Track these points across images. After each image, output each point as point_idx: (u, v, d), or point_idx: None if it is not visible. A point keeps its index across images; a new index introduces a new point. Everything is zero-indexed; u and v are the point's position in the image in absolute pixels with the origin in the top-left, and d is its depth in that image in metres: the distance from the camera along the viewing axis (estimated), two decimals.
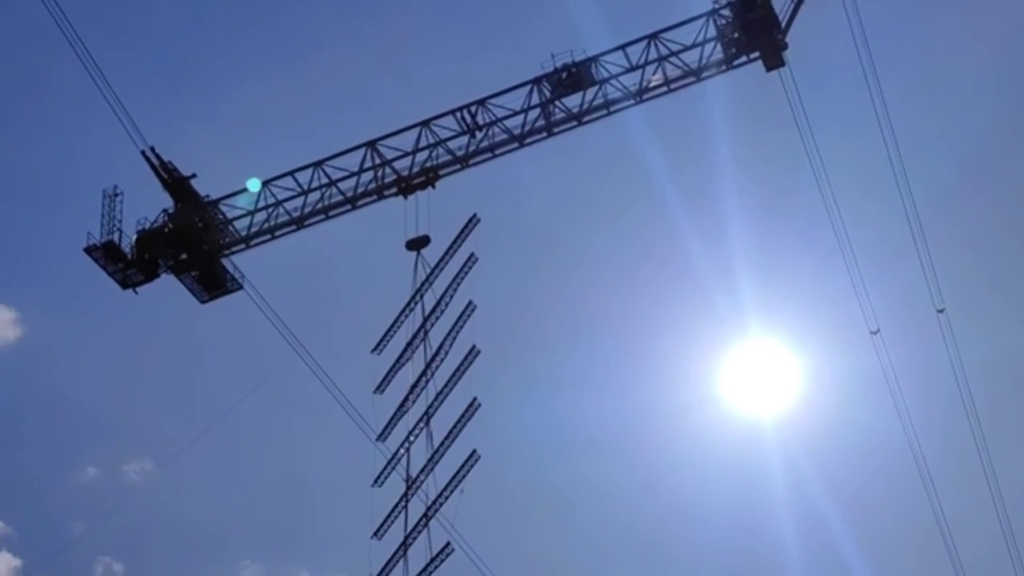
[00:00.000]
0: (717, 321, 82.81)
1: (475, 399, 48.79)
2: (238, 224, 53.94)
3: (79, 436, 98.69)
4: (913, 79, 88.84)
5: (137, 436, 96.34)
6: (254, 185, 53.14)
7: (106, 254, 52.69)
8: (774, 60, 50.83)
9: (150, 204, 54.39)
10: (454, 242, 51.19)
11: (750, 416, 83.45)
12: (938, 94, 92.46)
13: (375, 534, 48.68)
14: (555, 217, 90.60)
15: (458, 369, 49.35)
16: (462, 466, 48.07)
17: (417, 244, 52.55)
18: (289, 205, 53.26)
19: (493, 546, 54.49)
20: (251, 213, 53.52)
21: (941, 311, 55.60)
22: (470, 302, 50.25)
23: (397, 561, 47.49)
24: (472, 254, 51.04)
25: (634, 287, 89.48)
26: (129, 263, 53.11)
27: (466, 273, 50.72)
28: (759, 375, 78.98)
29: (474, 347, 49.49)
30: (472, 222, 51.63)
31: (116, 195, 53.28)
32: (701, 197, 71.18)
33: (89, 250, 52.63)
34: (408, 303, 51.52)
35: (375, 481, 49.81)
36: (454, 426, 48.69)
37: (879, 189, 58.26)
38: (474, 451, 48.16)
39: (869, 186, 65.36)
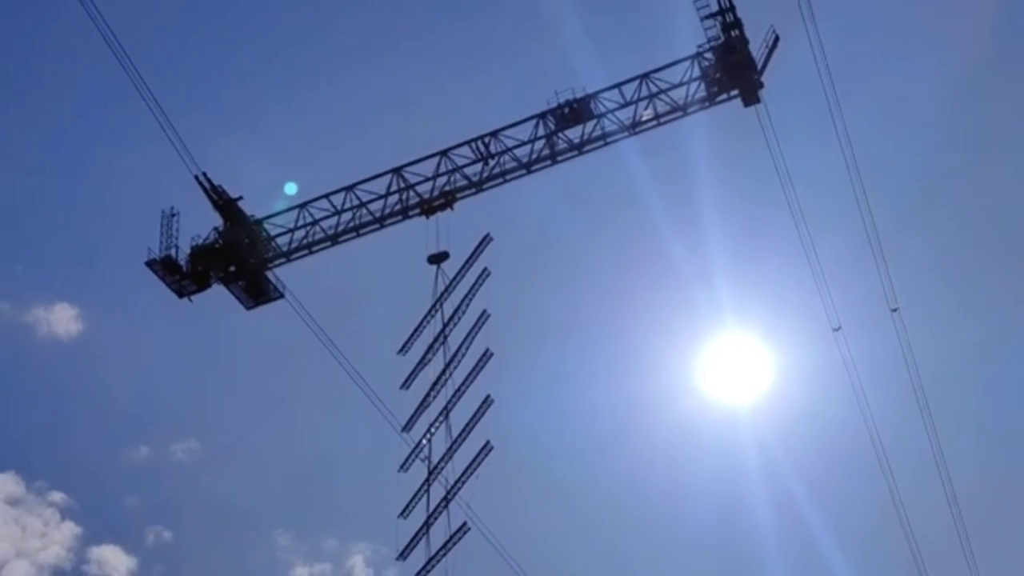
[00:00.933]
0: (696, 317, 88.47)
1: (488, 396, 53.96)
2: (280, 240, 59.01)
3: (133, 419, 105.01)
4: (874, 99, 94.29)
5: (184, 419, 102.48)
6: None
7: (164, 267, 58.21)
8: (751, 98, 55.66)
9: (200, 218, 59.70)
10: (470, 258, 56.21)
11: (726, 404, 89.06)
12: (895, 112, 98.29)
13: (401, 514, 53.76)
14: (555, 231, 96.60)
15: (473, 370, 54.73)
16: (477, 455, 52.95)
17: (437, 259, 57.34)
18: (325, 224, 58.21)
19: (502, 524, 60.33)
20: (291, 231, 58.78)
21: (895, 310, 59.93)
22: (484, 311, 55.35)
23: (420, 538, 52.90)
24: (485, 268, 56.03)
25: (623, 289, 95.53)
26: (184, 275, 58.69)
27: (480, 285, 55.71)
28: (735, 366, 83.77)
29: (487, 350, 54.62)
30: (485, 240, 56.56)
31: (173, 215, 59.20)
32: (683, 207, 75.45)
33: (150, 263, 58.19)
34: (429, 310, 56.48)
35: (401, 467, 54.85)
36: (470, 420, 54.08)
37: (841, 200, 61.22)
38: (487, 442, 53.00)
39: (832, 197, 68.28)
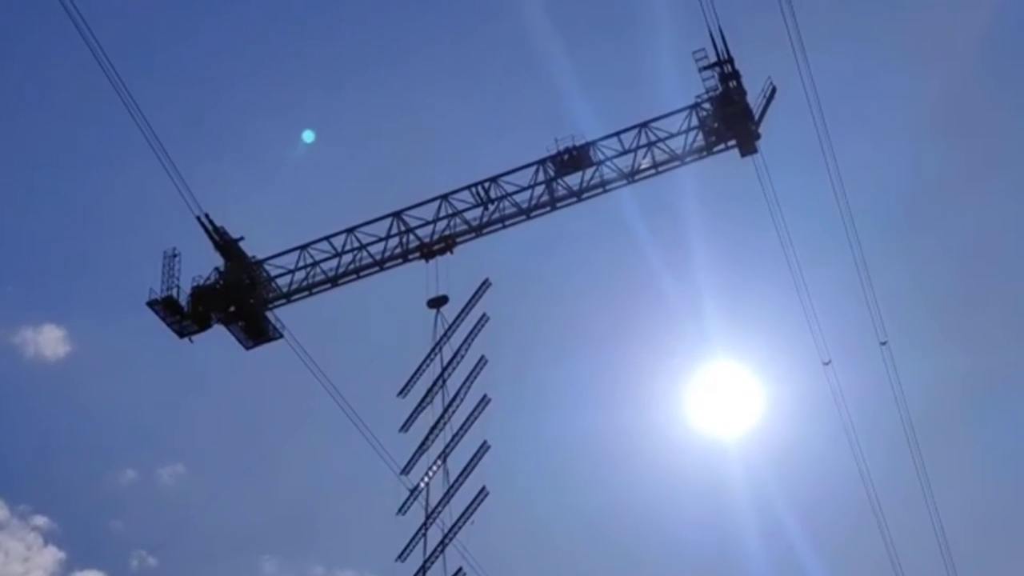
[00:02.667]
0: (685, 348, 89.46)
1: (485, 442, 54.55)
2: (280, 281, 59.43)
3: (119, 442, 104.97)
4: (859, 125, 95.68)
5: (171, 443, 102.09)
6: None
7: (166, 307, 58.51)
8: (748, 147, 56.69)
9: (195, 250, 59.80)
10: (468, 303, 56.97)
11: (715, 435, 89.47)
12: (881, 139, 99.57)
13: (399, 557, 54.52)
14: (552, 271, 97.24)
15: (471, 415, 55.43)
16: (473, 500, 53.55)
17: (437, 303, 57.87)
18: (325, 265, 58.64)
19: (495, 559, 60.67)
20: (291, 272, 59.25)
21: (884, 344, 61.01)
22: (482, 356, 56.27)
23: None
24: (484, 314, 56.77)
25: (612, 319, 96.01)
26: (185, 315, 58.98)
27: (479, 331, 56.44)
28: (723, 398, 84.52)
29: (485, 396, 55.47)
30: (484, 286, 57.26)
31: (174, 255, 59.59)
32: (672, 237, 75.23)
33: (151, 303, 58.42)
34: (429, 354, 57.13)
35: (399, 510, 55.51)
36: (468, 464, 54.68)
37: (829, 229, 62.59)
38: (483, 487, 53.70)
39: (820, 227, 69.50)
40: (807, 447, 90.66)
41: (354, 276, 59.17)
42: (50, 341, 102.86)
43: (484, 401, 55.64)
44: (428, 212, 58.45)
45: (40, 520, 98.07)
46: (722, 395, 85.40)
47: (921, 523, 65.22)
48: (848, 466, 63.76)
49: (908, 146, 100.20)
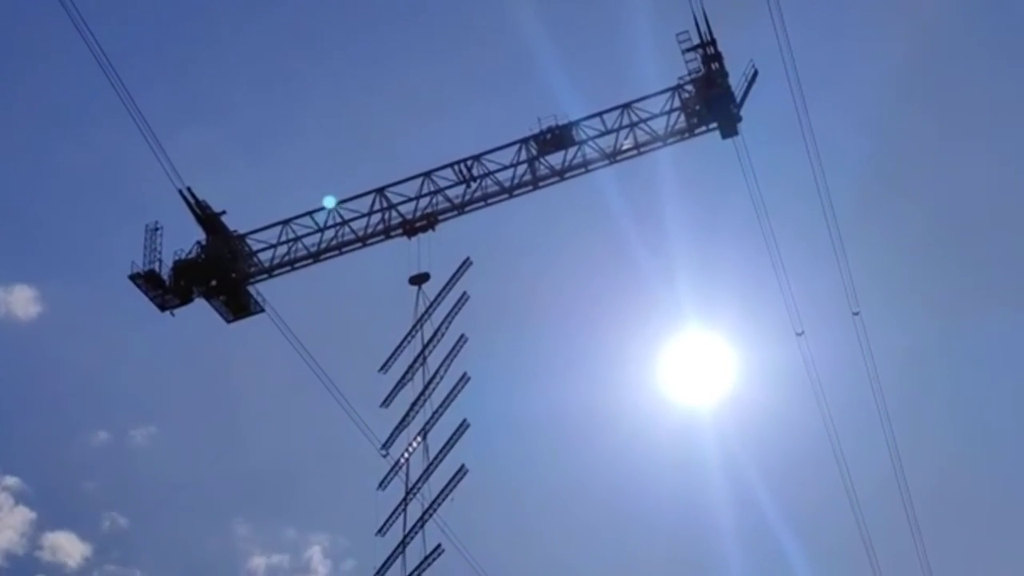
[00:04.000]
0: (658, 318, 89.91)
1: (464, 420, 55.07)
2: (262, 256, 59.62)
3: (91, 403, 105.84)
4: (834, 96, 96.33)
5: (144, 404, 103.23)
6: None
7: (148, 281, 58.65)
8: (730, 130, 56.94)
9: (175, 221, 60.18)
10: (449, 282, 57.37)
11: (688, 404, 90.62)
12: (854, 104, 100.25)
13: (379, 531, 55.03)
14: (529, 245, 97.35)
15: (451, 393, 55.87)
16: (452, 478, 53.98)
17: (418, 280, 58.36)
18: (307, 241, 59.03)
19: (473, 531, 61.57)
20: (274, 247, 59.63)
21: (856, 314, 61.44)
22: (462, 335, 56.71)
23: (397, 557, 53.91)
24: (464, 293, 57.31)
25: (585, 288, 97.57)
26: (167, 289, 59.13)
27: (459, 310, 56.91)
28: (697, 367, 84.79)
29: (465, 374, 55.91)
30: (464, 265, 57.63)
31: (156, 229, 59.63)
32: (645, 206, 75.66)
33: (133, 277, 58.58)
34: (410, 331, 57.62)
35: (380, 485, 56.05)
36: (447, 443, 55.12)
37: (803, 196, 62.93)
38: (463, 465, 54.16)
39: (794, 194, 70.35)
40: (779, 416, 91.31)
41: (336, 252, 59.53)
42: (21, 301, 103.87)
43: (464, 379, 56.10)
44: (411, 189, 58.84)
45: (11, 481, 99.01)
46: (695, 365, 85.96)
47: (890, 492, 66.02)
48: (820, 434, 64.07)
49: (879, 110, 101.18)
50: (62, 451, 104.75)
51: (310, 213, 59.59)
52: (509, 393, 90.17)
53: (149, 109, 54.37)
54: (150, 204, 66.28)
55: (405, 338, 58.11)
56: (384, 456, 57.45)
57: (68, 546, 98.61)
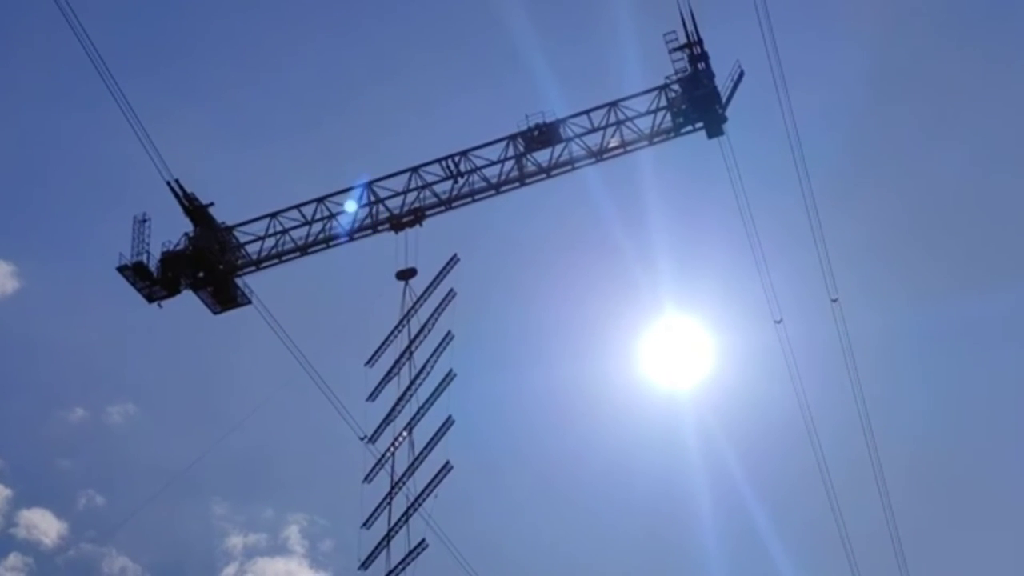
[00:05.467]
0: (637, 302, 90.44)
1: (449, 417, 55.52)
2: (250, 248, 59.78)
3: (68, 379, 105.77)
4: (813, 84, 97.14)
5: (122, 382, 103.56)
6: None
7: (136, 273, 58.85)
8: (715, 130, 57.49)
9: (160, 206, 60.12)
10: (436, 278, 57.72)
11: (667, 388, 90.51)
12: (834, 96, 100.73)
13: (364, 524, 55.64)
14: (512, 234, 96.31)
15: (437, 388, 56.41)
16: (437, 474, 54.50)
17: (405, 275, 58.60)
18: (295, 233, 59.21)
19: (456, 518, 62.43)
20: (261, 239, 60.53)
21: (835, 301, 61.91)
22: (449, 332, 57.01)
23: (381, 550, 54.60)
24: (451, 290, 57.60)
25: (565, 273, 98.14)
26: (155, 281, 59.34)
27: (445, 306, 57.29)
28: (675, 351, 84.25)
29: (451, 371, 56.22)
30: (452, 261, 57.95)
31: (144, 220, 59.83)
32: (625, 189, 74.51)
33: (121, 269, 58.77)
34: (396, 326, 58.01)
35: (366, 478, 56.62)
36: (432, 439, 55.61)
37: (783, 187, 63.70)
38: (447, 462, 54.55)
39: (774, 184, 70.80)
40: (756, 399, 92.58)
41: (324, 245, 59.76)
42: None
43: (449, 376, 56.51)
44: (398, 184, 59.15)
45: None
46: (674, 348, 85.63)
47: (864, 474, 66.73)
48: (795, 417, 64.81)
49: (855, 100, 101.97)
50: (38, 428, 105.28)
51: (298, 206, 59.87)
52: (493, 384, 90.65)
53: (138, 96, 54.90)
54: (132, 185, 66.42)
55: (392, 333, 58.56)
56: (363, 439, 58.06)
57: (44, 524, 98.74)
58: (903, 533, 68.39)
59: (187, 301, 61.63)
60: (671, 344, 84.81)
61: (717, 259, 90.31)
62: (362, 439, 58.30)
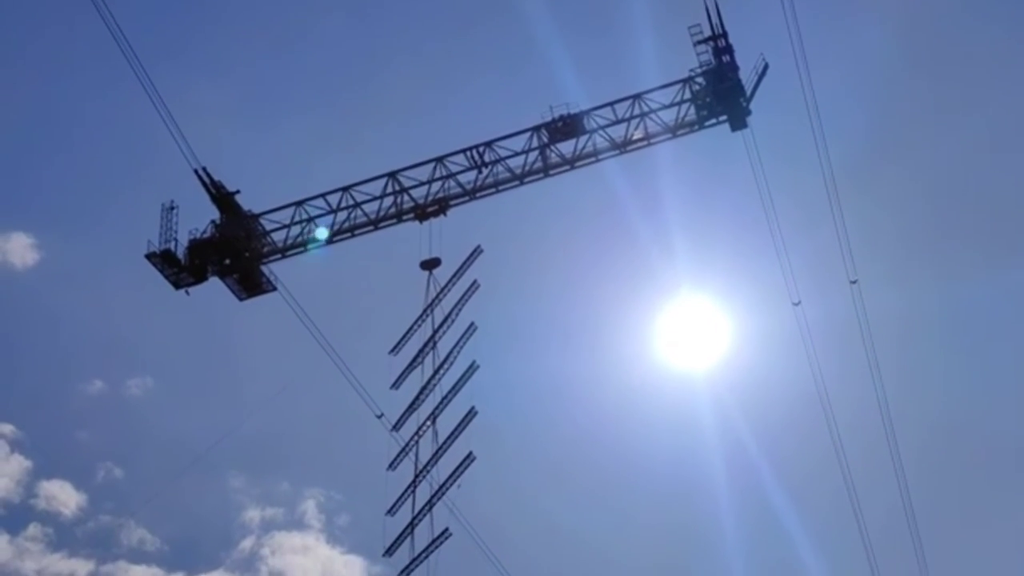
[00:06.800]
0: (654, 282, 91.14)
1: (472, 407, 56.19)
2: (275, 236, 60.48)
3: (87, 352, 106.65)
4: (834, 63, 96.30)
5: (141, 355, 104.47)
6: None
7: (163, 260, 59.67)
8: (739, 123, 57.56)
9: (186, 191, 60.90)
10: (459, 269, 58.30)
11: (683, 369, 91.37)
12: (855, 75, 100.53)
13: (389, 511, 56.49)
14: (537, 226, 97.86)
15: (460, 380, 57.02)
16: (460, 464, 55.26)
17: (430, 264, 59.25)
18: (320, 222, 59.82)
19: (479, 498, 63.25)
20: (287, 227, 61.00)
21: (854, 282, 61.46)
22: (472, 323, 57.67)
23: (405, 538, 55.53)
24: (475, 281, 58.25)
25: (582, 254, 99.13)
26: (182, 268, 60.20)
27: (469, 298, 57.85)
28: (692, 331, 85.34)
29: (474, 362, 56.95)
30: (475, 253, 58.54)
31: (172, 208, 60.79)
32: (641, 170, 73.53)
33: (150, 256, 59.57)
34: (420, 315, 58.66)
35: (390, 466, 57.38)
36: (455, 429, 56.27)
37: (802, 167, 63.37)
38: (470, 452, 55.36)
39: (794, 165, 71.01)
40: (773, 380, 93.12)
41: (349, 234, 60.20)
42: (19, 249, 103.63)
43: (472, 368, 57.08)
44: (423, 174, 59.41)
45: (6, 428, 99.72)
46: (692, 330, 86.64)
47: (882, 455, 66.61)
48: (812, 399, 64.60)
49: (877, 79, 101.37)
50: (58, 400, 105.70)
51: (323, 195, 60.31)
52: (514, 373, 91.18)
53: (160, 72, 55.41)
54: (154, 163, 66.10)
55: (416, 322, 59.12)
56: (379, 417, 58.90)
57: (63, 495, 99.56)
58: (919, 514, 68.84)
59: (213, 286, 62.53)
60: (688, 326, 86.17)
61: (735, 240, 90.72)
62: (379, 417, 59.22)
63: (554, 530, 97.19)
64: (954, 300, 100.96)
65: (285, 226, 60.82)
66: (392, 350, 59.56)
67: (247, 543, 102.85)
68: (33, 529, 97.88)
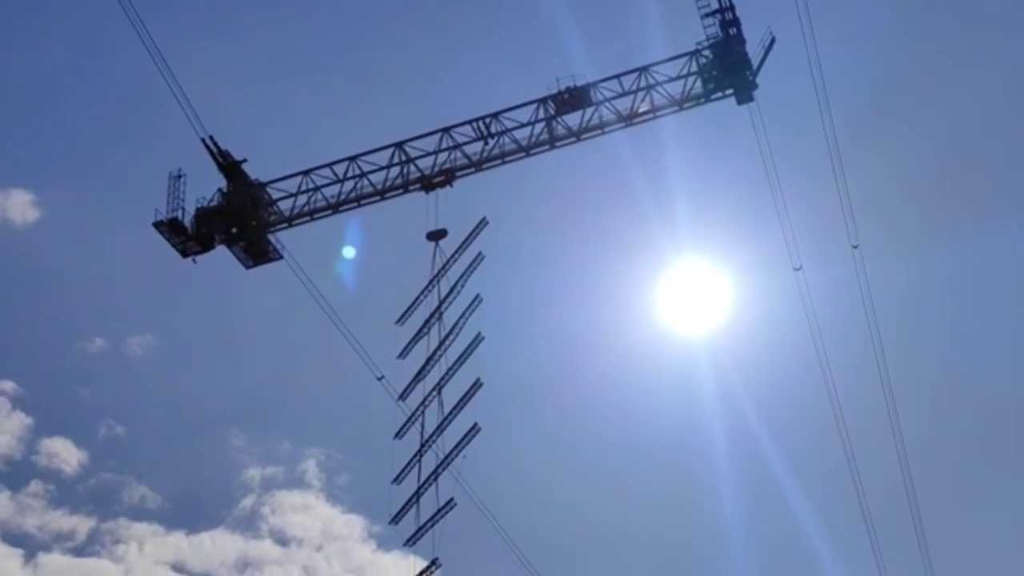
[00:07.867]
0: (655, 246, 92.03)
1: (478, 379, 56.21)
2: (282, 205, 60.75)
3: (89, 310, 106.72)
4: (836, 21, 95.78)
5: (142, 313, 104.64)
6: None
7: (171, 229, 59.93)
8: (745, 96, 57.65)
9: (195, 169, 61.18)
10: (464, 241, 58.46)
11: (684, 333, 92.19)
12: (859, 34, 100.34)
13: (395, 480, 57.17)
14: (539, 196, 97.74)
15: (465, 351, 57.28)
16: (465, 435, 55.46)
17: (436, 236, 59.35)
18: (327, 191, 60.10)
19: (485, 462, 63.81)
20: (293, 196, 61.15)
21: (856, 247, 61.27)
22: (477, 295, 57.79)
23: (411, 506, 56.11)
24: (480, 253, 58.31)
25: (583, 217, 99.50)
26: (189, 236, 60.45)
27: (474, 269, 57.95)
28: (692, 295, 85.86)
29: (479, 334, 57.03)
30: (481, 224, 58.60)
31: (179, 177, 60.82)
32: (643, 135, 74.05)
33: (157, 224, 59.78)
34: (427, 287, 58.95)
35: (397, 434, 58.04)
36: (460, 400, 56.49)
37: (805, 127, 63.11)
38: (475, 424, 55.53)
39: (796, 126, 70.89)
40: (774, 345, 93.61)
41: (355, 204, 60.50)
42: (19, 206, 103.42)
43: (478, 339, 57.31)
44: (429, 144, 59.56)
45: (7, 385, 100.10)
46: (692, 294, 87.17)
47: (882, 421, 66.68)
48: (813, 364, 64.68)
49: (880, 37, 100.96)
50: (58, 357, 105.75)
51: (330, 164, 60.51)
52: (517, 343, 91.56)
53: (161, 29, 54.51)
54: (153, 120, 65.50)
55: (422, 293, 59.45)
56: (380, 379, 59.47)
57: (64, 452, 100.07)
58: (919, 481, 69.03)
59: (220, 254, 62.81)
60: (689, 289, 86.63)
61: (737, 205, 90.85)
62: (379, 379, 59.86)
63: (556, 499, 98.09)
64: (957, 265, 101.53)
65: (292, 195, 61.01)
66: (398, 320, 59.95)
67: (248, 501, 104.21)
68: (34, 486, 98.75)
